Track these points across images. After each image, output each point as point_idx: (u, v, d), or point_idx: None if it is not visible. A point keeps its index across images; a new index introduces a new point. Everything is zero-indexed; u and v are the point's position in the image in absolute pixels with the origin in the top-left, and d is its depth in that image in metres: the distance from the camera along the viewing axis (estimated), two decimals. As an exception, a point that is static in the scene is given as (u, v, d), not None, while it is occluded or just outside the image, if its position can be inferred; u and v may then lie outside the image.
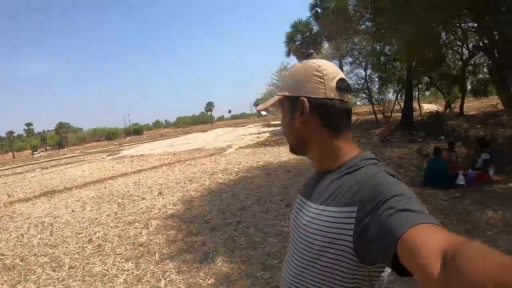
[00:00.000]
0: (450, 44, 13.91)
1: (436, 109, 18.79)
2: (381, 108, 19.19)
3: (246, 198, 6.52)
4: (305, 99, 0.88)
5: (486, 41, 7.58)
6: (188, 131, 48.22)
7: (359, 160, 0.85)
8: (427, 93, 19.15)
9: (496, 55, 7.12)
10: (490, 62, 7.70)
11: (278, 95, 0.96)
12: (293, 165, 9.62)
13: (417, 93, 18.11)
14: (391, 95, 20.59)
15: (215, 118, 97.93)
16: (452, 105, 16.37)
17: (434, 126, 13.61)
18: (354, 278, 0.79)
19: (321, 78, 0.88)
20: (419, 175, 7.15)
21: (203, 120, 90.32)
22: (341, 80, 0.89)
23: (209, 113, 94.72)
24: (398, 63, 17.02)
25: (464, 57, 14.77)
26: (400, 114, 16.68)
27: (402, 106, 16.85)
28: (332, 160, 0.89)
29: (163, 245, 4.74)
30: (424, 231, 0.58)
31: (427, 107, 19.81)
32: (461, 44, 14.28)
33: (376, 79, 18.96)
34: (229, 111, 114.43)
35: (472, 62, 15.02)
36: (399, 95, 19.06)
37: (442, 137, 11.82)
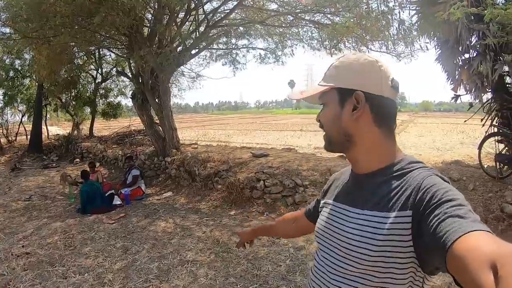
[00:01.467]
0: (85, 67, 15.08)
1: (62, 132, 19.32)
2: (4, 132, 17.56)
3: None
4: (361, 93, 0.91)
5: (133, 68, 8.93)
6: None
7: (407, 163, 0.91)
8: (48, 115, 19.58)
9: (141, 81, 8.51)
10: (135, 87, 9.19)
11: (324, 85, 0.97)
12: None
13: (45, 115, 17.95)
14: (16, 117, 19.23)
15: None
16: (80, 127, 17.27)
17: (66, 149, 14.17)
18: (410, 281, 0.84)
19: (379, 74, 0.93)
20: (71, 202, 7.26)
21: None
22: (394, 79, 0.95)
23: None
24: (28, 80, 16.54)
25: (97, 81, 16.28)
26: (25, 138, 16.32)
27: (26, 129, 16.51)
28: (378, 161, 0.94)
29: None
30: (473, 240, 0.63)
31: (51, 129, 19.96)
32: (96, 68, 15.78)
33: (0, 96, 17.23)
34: None
35: (104, 86, 16.82)
36: (25, 117, 18.17)
37: (78, 160, 12.51)
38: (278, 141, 14.75)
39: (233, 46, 9.76)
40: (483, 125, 6.85)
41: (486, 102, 6.91)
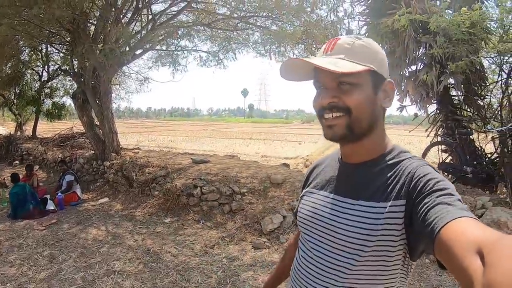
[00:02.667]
0: (31, 63, 14.67)
1: (6, 132, 18.54)
2: None
3: None
4: (393, 83, 0.96)
5: (75, 66, 8.59)
6: None
7: (398, 152, 0.96)
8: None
9: (83, 80, 8.19)
10: (76, 86, 8.93)
11: (365, 66, 0.90)
12: None
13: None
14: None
15: None
16: (24, 127, 16.76)
17: (6, 150, 13.76)
18: (399, 269, 0.89)
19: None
20: (3, 207, 7.09)
21: None
22: None
23: None
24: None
25: (43, 79, 15.62)
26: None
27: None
28: (375, 151, 0.97)
29: None
30: (461, 226, 0.66)
31: (-6, 129, 19.17)
32: (42, 65, 15.14)
33: None
34: None
35: (50, 85, 16.13)
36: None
37: (17, 162, 12.19)
38: (226, 149, 14.98)
39: (176, 48, 9.74)
40: (428, 135, 7.22)
41: (431, 113, 7.29)
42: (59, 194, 7.08)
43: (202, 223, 5.66)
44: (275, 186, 6.00)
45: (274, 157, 12.71)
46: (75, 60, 8.72)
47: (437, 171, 0.86)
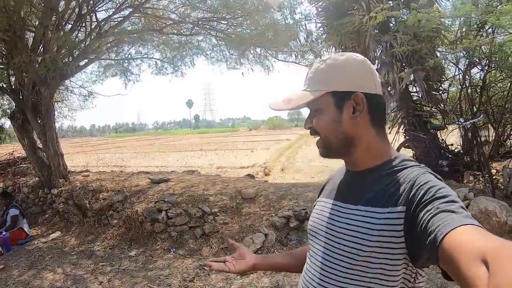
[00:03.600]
0: None
1: None
2: None
3: None
4: (361, 94, 0.91)
5: (13, 82, 7.57)
6: None
7: (400, 160, 0.92)
8: None
9: (21, 97, 7.21)
10: (15, 105, 7.81)
11: (318, 91, 0.94)
12: None
13: None
14: None
15: None
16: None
17: None
18: (402, 277, 0.84)
19: (370, 73, 0.94)
20: None
21: None
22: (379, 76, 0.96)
23: None
24: None
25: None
26: None
27: None
28: (374, 159, 0.95)
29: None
30: (464, 234, 0.63)
31: None
32: None
33: None
34: None
35: None
36: None
37: None
38: (179, 163, 14.44)
39: (126, 55, 8.91)
40: (390, 133, 7.16)
41: (391, 111, 7.26)
42: (4, 232, 6.02)
43: (174, 251, 4.93)
44: (248, 201, 5.41)
45: (230, 167, 12.26)
46: (12, 75, 7.66)
47: (439, 179, 0.84)
